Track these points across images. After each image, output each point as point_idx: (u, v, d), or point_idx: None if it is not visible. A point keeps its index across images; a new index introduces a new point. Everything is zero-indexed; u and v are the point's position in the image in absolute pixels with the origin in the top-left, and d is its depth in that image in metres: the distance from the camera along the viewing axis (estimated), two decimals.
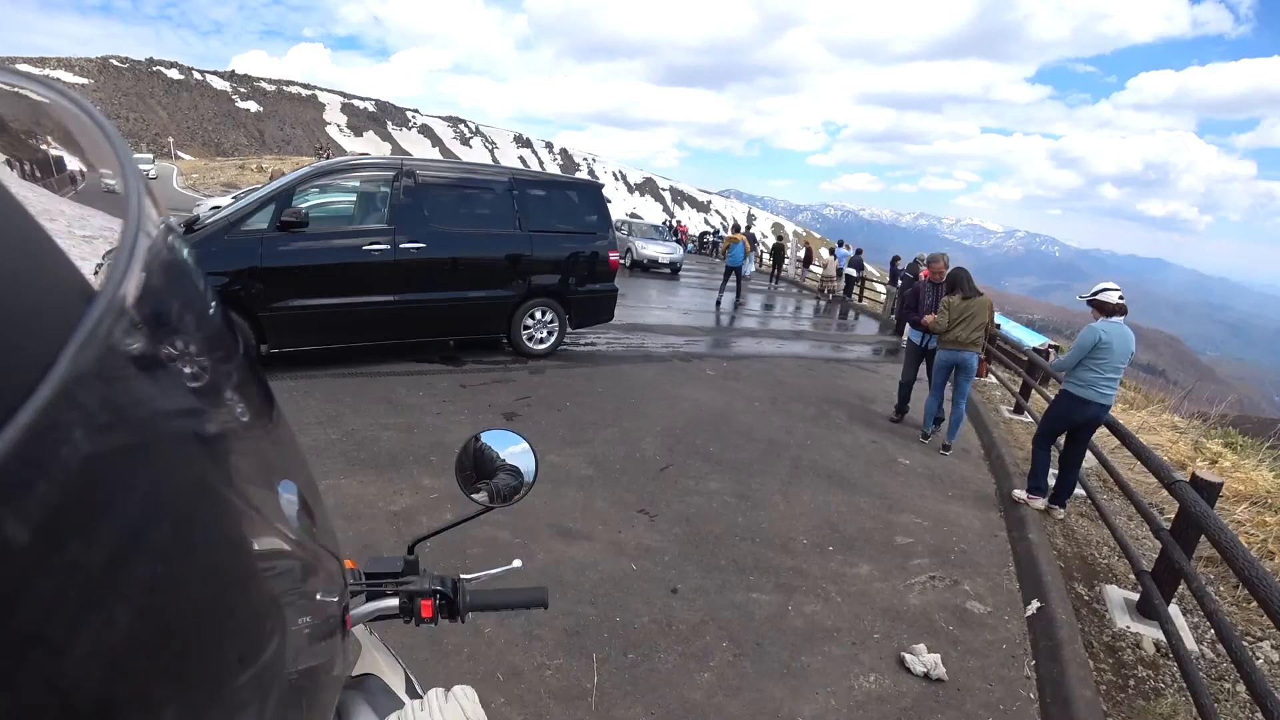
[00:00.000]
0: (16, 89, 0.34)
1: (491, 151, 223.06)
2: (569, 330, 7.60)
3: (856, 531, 4.36)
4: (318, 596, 0.50)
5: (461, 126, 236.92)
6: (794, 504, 4.61)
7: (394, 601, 0.97)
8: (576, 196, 7.54)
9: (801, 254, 26.26)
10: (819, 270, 23.46)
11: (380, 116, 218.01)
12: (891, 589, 3.74)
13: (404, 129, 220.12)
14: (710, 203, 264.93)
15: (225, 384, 0.35)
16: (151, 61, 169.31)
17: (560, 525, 3.85)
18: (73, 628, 0.20)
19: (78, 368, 0.21)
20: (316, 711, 0.52)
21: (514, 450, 1.14)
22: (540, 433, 5.17)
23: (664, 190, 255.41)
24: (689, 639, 3.07)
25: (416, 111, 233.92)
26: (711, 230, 42.63)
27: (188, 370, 0.30)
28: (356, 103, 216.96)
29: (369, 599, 0.98)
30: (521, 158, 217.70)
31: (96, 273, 0.77)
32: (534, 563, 3.44)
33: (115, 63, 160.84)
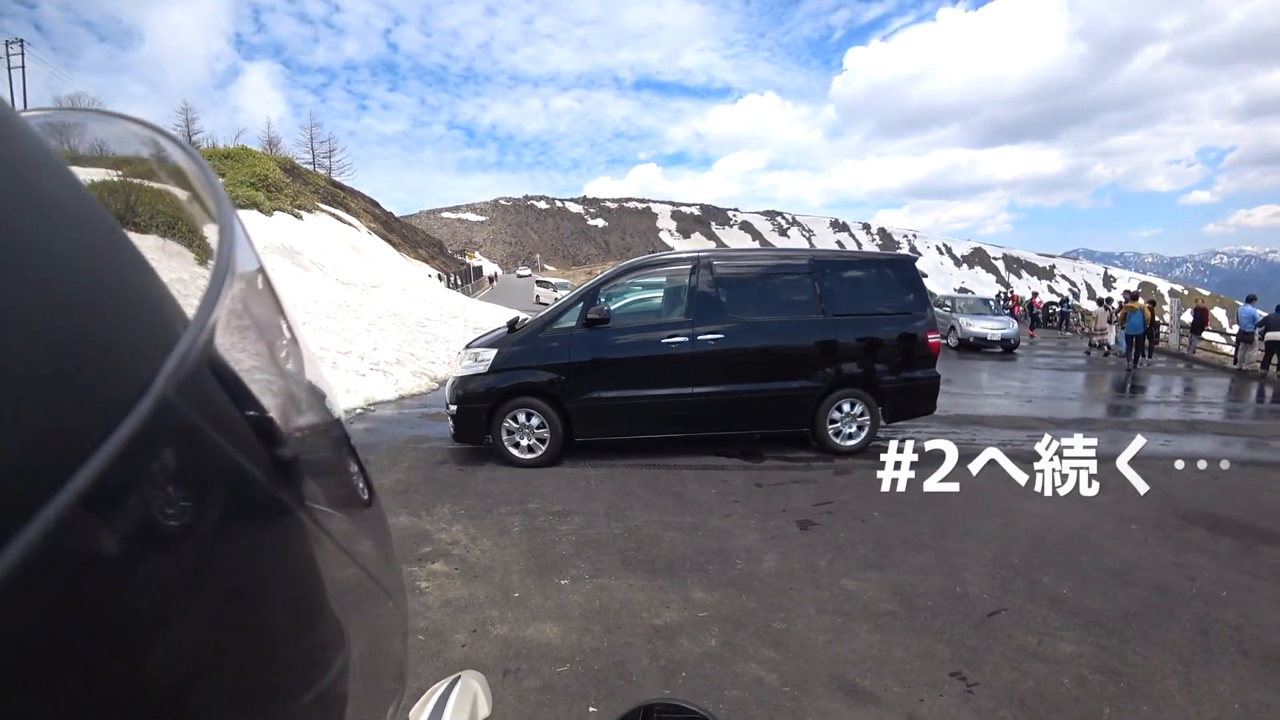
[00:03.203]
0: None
1: (809, 238, 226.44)
2: (882, 424, 6.74)
3: None
4: (380, 626, 0.46)
5: (779, 219, 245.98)
6: (1202, 699, 2.96)
7: None
8: (886, 274, 6.85)
9: (1188, 317, 20.92)
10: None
11: (705, 218, 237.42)
12: None
13: (726, 227, 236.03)
14: (1054, 267, 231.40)
15: (298, 417, 0.35)
16: (526, 197, 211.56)
17: (843, 677, 3.04)
18: (153, 630, 0.22)
19: (169, 390, 0.22)
20: None
21: None
22: (838, 548, 4.43)
23: (996, 259, 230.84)
24: None
25: (736, 210, 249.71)
26: (1058, 299, 36.83)
27: (266, 401, 0.30)
28: (684, 209, 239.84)
29: None
30: (839, 241, 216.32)
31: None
32: None
33: (502, 202, 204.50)
